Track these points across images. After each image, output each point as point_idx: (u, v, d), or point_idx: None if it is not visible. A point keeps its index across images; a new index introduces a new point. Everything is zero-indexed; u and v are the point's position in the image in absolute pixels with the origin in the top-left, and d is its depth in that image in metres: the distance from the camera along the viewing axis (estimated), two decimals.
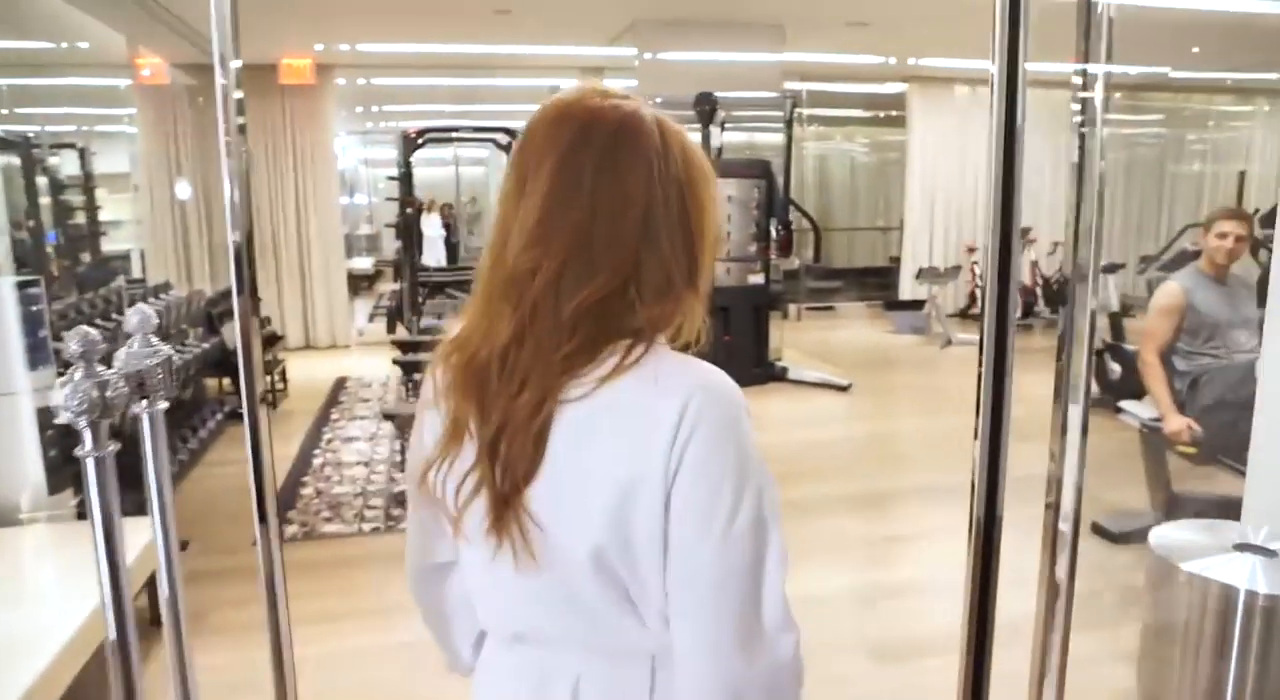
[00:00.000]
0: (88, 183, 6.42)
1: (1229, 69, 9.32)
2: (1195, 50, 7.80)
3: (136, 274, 7.31)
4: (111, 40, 6.07)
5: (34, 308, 3.06)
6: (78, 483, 2.73)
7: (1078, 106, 1.25)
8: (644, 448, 0.82)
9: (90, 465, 0.94)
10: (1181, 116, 11.26)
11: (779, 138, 7.61)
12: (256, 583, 1.46)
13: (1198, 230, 4.57)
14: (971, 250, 9.62)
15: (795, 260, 8.99)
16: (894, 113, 10.77)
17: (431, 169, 13.80)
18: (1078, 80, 1.24)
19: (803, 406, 6.26)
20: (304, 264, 8.57)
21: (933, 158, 9.88)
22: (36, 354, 3.02)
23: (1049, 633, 1.54)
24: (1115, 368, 5.03)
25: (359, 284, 11.92)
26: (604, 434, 0.84)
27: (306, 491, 4.59)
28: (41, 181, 5.83)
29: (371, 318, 10.25)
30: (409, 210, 8.51)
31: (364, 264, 13.41)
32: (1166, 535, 1.84)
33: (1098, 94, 1.21)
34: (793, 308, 9.90)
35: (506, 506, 0.86)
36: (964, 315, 9.68)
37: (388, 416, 4.84)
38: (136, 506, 1.24)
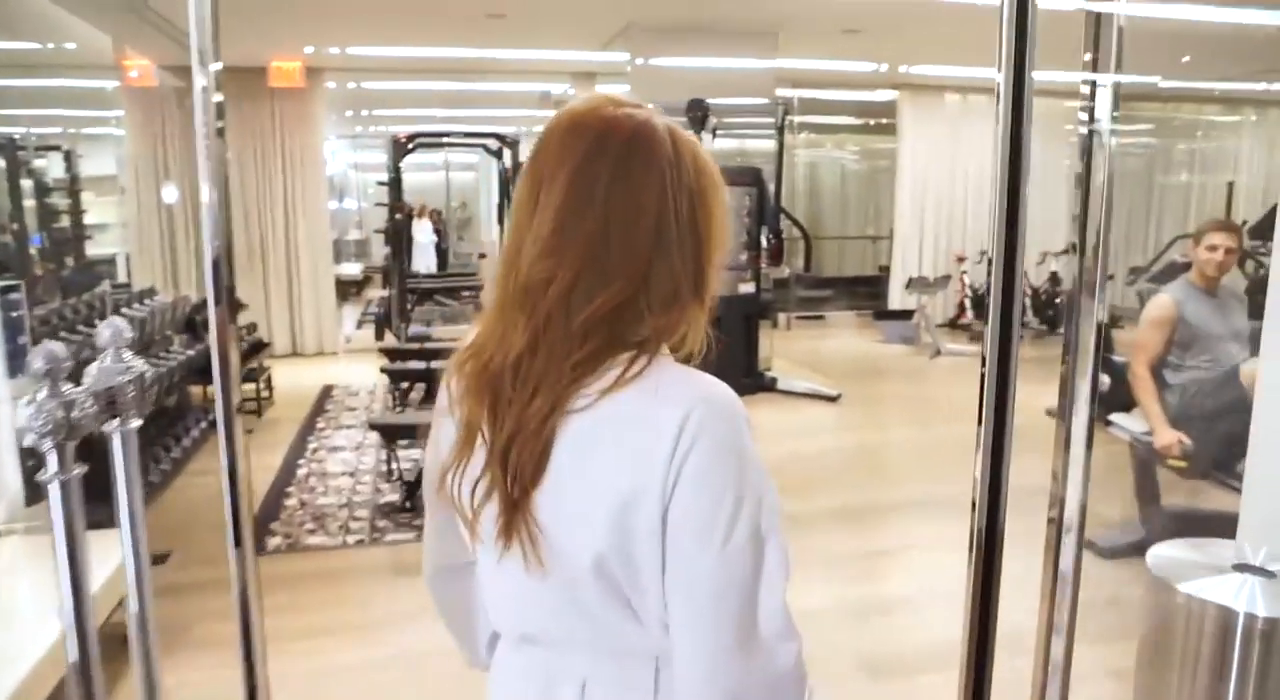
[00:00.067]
0: (73, 185, 6.35)
1: (1218, 79, 9.37)
2: (1185, 60, 7.82)
3: (122, 279, 7.23)
4: (98, 42, 6.01)
5: (14, 313, 3.01)
6: None
7: (1085, 116, 1.22)
8: (645, 459, 0.83)
9: (55, 489, 0.90)
10: (1170, 126, 11.31)
11: (770, 145, 7.61)
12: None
13: (1187, 242, 4.57)
14: (961, 260, 9.62)
15: (785, 269, 8.98)
16: (884, 120, 10.78)
17: (422, 174, 13.77)
18: (1085, 90, 1.21)
19: (792, 417, 6.24)
20: (292, 269, 8.50)
21: (923, 166, 9.88)
22: (16, 361, 2.96)
23: (1050, 648, 1.52)
24: (1105, 379, 5.02)
25: (347, 290, 11.86)
26: (606, 445, 0.85)
27: (290, 502, 4.54)
28: (26, 184, 5.76)
29: (360, 324, 10.19)
30: (398, 216, 8.47)
31: (352, 270, 13.35)
32: (1164, 554, 1.81)
33: (1101, 105, 1.18)
34: (782, 317, 9.89)
35: (516, 511, 0.88)
36: (953, 325, 9.67)
37: (374, 427, 4.78)
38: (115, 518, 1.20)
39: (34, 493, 2.93)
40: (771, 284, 7.98)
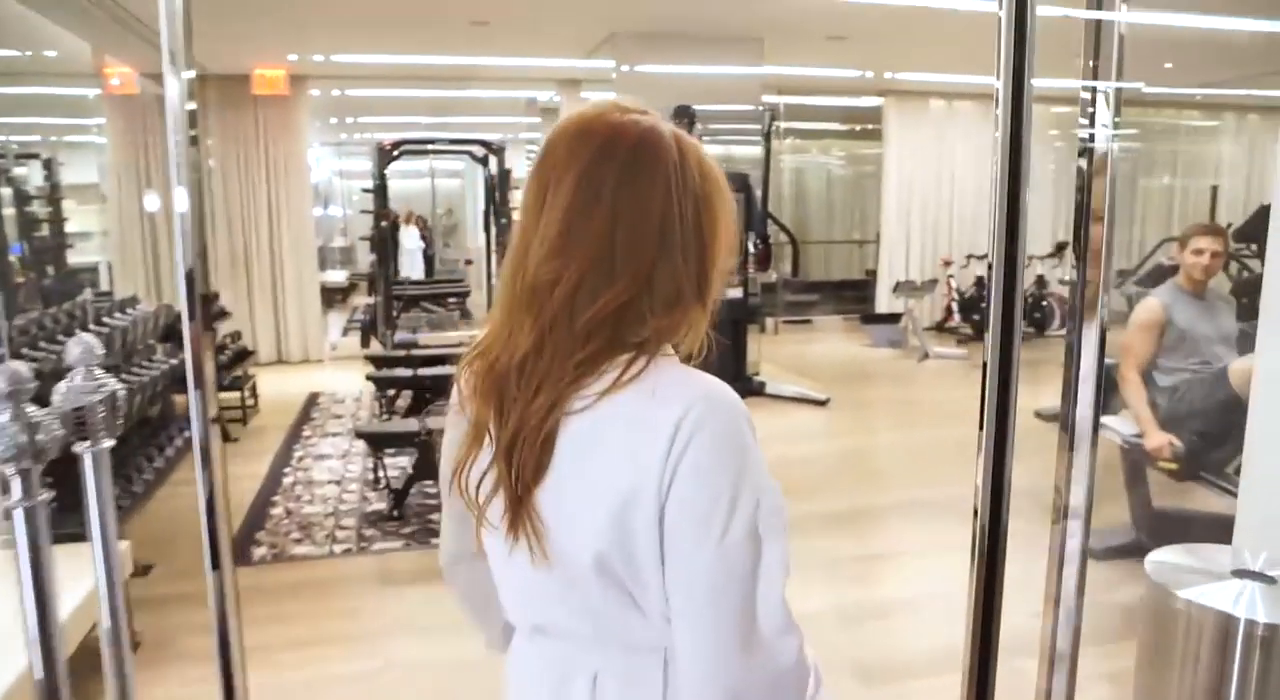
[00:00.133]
0: (54, 193, 6.28)
1: (1201, 84, 9.44)
2: (1168, 66, 7.87)
3: (104, 287, 7.16)
4: (80, 49, 5.95)
5: None
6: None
7: (1085, 122, 1.21)
8: (643, 458, 0.85)
9: (19, 516, 0.85)
10: (1154, 131, 11.39)
11: (757, 151, 7.60)
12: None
13: (1173, 245, 4.59)
14: (947, 263, 9.65)
15: (773, 273, 8.98)
16: (870, 126, 10.81)
17: (407, 181, 13.72)
18: (1085, 97, 1.20)
19: (781, 421, 6.22)
20: (276, 277, 8.44)
21: (909, 171, 9.91)
22: None
23: (1054, 651, 1.50)
24: None
25: (333, 297, 11.79)
26: (605, 445, 0.87)
27: (276, 512, 4.48)
28: (6, 192, 5.70)
29: (345, 332, 10.13)
30: (384, 223, 8.43)
31: (338, 277, 13.28)
32: (1162, 560, 1.79)
33: (1101, 112, 1.17)
34: (770, 321, 9.88)
35: (520, 507, 0.90)
36: (940, 329, 9.69)
37: (360, 435, 4.73)
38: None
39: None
40: (759, 289, 7.97)
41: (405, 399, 6.03)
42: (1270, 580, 1.70)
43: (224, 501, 1.21)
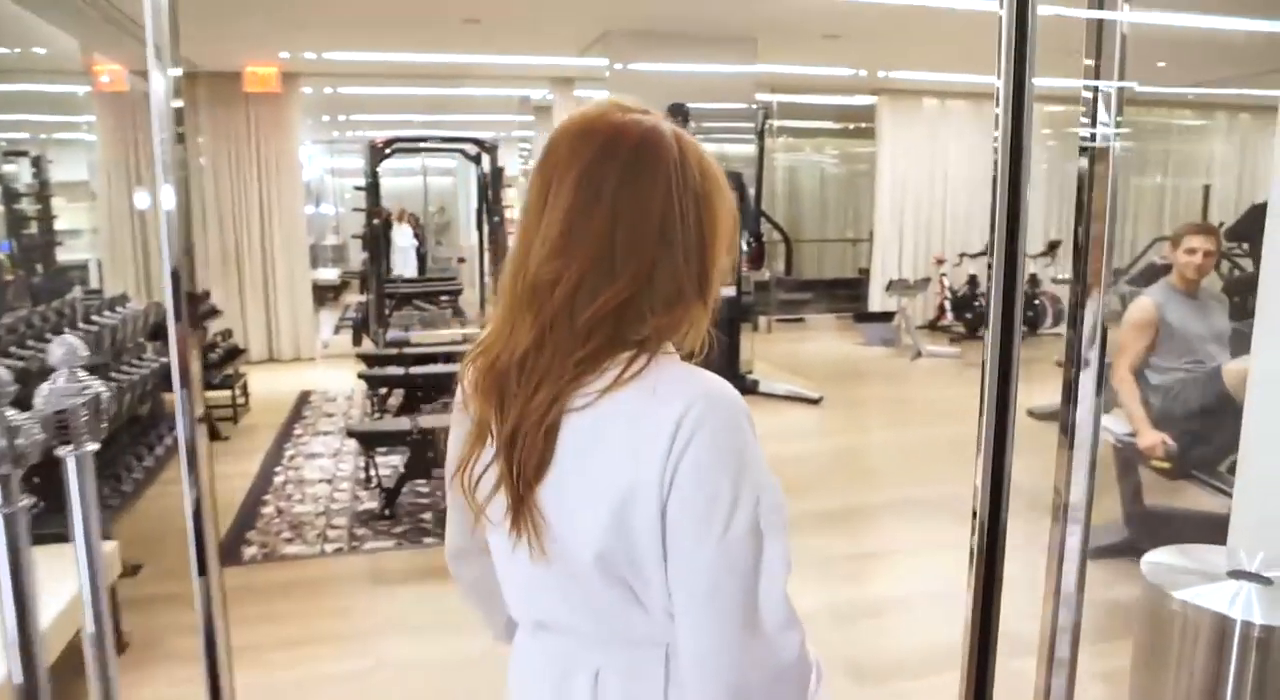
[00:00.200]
0: (43, 191, 6.24)
1: (1194, 83, 9.45)
2: (1161, 65, 7.88)
3: (94, 285, 7.12)
4: (70, 47, 5.91)
5: None
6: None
7: (1086, 121, 1.20)
8: (644, 455, 0.85)
9: None
10: (1146, 130, 11.41)
11: (750, 149, 7.59)
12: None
13: (1165, 244, 4.59)
14: (940, 262, 9.66)
15: (766, 272, 8.97)
16: (864, 125, 10.81)
17: (399, 179, 13.69)
18: (1087, 96, 1.19)
19: (774, 420, 6.21)
20: (268, 275, 8.40)
21: (902, 170, 9.91)
22: None
23: (1053, 650, 1.49)
24: None
25: (324, 295, 11.75)
26: (606, 443, 0.88)
27: (267, 510, 4.46)
28: None
29: (337, 330, 10.09)
30: (376, 221, 8.40)
31: (329, 275, 13.24)
32: (1158, 560, 1.79)
33: (1103, 111, 1.16)
34: (763, 320, 9.87)
35: (522, 504, 0.90)
36: (933, 327, 9.71)
37: (352, 434, 4.71)
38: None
39: None
40: (752, 287, 7.96)
41: (397, 397, 6.00)
42: (1266, 581, 1.69)
43: (211, 503, 1.20)
